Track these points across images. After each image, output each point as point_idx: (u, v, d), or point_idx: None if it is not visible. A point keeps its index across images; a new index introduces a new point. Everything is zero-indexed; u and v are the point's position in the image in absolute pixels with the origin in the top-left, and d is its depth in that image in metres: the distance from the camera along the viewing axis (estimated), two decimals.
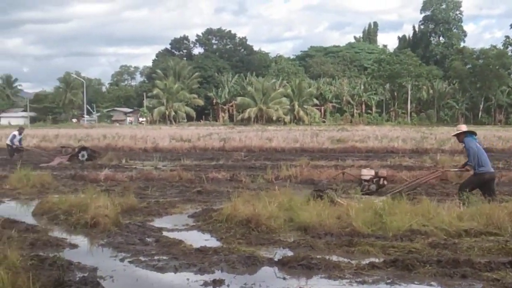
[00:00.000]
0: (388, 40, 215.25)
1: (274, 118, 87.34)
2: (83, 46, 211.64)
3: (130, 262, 7.04)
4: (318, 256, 7.00)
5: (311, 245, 7.69)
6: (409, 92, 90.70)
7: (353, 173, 13.61)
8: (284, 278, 6.43)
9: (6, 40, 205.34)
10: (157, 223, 9.63)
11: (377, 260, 6.93)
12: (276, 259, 7.03)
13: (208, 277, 6.34)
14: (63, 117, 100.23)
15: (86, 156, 22.39)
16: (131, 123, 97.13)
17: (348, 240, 7.87)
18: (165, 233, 8.65)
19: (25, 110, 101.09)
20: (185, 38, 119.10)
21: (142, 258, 7.13)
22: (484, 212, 8.59)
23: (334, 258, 7.11)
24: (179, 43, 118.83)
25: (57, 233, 8.84)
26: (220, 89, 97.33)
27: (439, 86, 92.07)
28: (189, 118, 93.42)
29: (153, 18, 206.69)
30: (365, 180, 11.82)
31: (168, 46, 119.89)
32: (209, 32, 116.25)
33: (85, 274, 6.35)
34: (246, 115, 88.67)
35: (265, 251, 7.56)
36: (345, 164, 19.54)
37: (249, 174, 16.37)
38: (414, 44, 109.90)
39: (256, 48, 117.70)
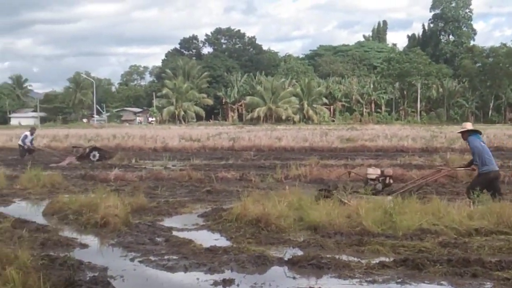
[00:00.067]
0: (397, 39, 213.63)
1: (284, 117, 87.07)
2: (93, 46, 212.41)
3: (140, 261, 7.06)
4: (328, 256, 6.99)
5: (321, 245, 7.68)
6: (419, 91, 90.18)
7: (359, 173, 13.57)
8: (294, 278, 6.42)
9: (16, 41, 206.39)
10: (167, 222, 9.65)
11: (387, 260, 6.91)
12: (286, 259, 7.02)
13: (218, 277, 6.34)
14: (73, 117, 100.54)
15: (97, 157, 22.50)
16: (140, 123, 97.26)
17: (358, 239, 7.86)
18: (175, 233, 8.66)
19: (35, 110, 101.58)
20: (194, 37, 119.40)
21: (152, 258, 7.15)
22: (494, 211, 8.56)
23: (344, 257, 7.09)
24: (189, 43, 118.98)
25: (67, 232, 8.88)
26: (230, 88, 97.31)
27: (448, 85, 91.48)
28: (199, 118, 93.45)
29: (162, 18, 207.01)
30: (371, 179, 11.78)
31: (178, 46, 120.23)
32: (218, 31, 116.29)
33: (96, 274, 6.37)
34: (255, 114, 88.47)
35: (275, 250, 7.55)
36: (355, 163, 19.47)
37: (258, 174, 16.38)
38: (424, 42, 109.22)
39: (265, 48, 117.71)
